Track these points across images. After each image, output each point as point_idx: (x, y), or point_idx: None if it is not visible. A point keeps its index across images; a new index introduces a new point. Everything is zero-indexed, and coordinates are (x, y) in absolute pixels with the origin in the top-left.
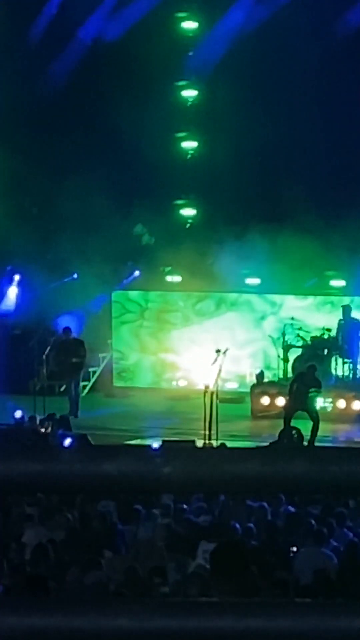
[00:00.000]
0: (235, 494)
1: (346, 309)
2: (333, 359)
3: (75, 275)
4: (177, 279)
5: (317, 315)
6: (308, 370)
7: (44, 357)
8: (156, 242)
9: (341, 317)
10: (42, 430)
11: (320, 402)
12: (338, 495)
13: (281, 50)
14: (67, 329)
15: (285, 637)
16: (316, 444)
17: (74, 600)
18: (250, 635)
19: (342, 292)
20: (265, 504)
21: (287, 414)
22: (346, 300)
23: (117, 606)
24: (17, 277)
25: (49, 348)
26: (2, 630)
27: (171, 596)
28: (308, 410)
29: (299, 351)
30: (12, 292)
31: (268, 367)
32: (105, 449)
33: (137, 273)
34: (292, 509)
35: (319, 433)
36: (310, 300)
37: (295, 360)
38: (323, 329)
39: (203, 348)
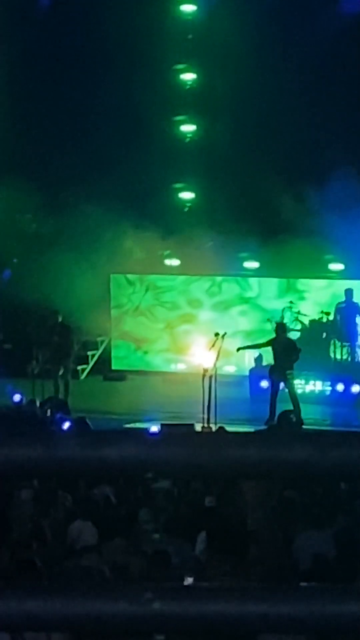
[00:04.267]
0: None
1: (348, 293)
2: (331, 342)
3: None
4: (175, 262)
5: (316, 299)
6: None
7: (42, 340)
8: (154, 225)
9: (340, 301)
10: (41, 413)
11: (318, 386)
12: (338, 480)
13: (281, 32)
14: (54, 312)
15: (286, 622)
16: (314, 428)
17: (72, 585)
18: (250, 619)
19: (340, 275)
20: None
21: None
22: (347, 283)
23: (116, 590)
24: (15, 261)
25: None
26: (1, 615)
27: (171, 581)
28: (288, 391)
29: (298, 334)
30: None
31: (266, 351)
32: (105, 433)
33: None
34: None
35: (317, 417)
36: (309, 283)
37: None
38: (321, 312)
39: (202, 331)
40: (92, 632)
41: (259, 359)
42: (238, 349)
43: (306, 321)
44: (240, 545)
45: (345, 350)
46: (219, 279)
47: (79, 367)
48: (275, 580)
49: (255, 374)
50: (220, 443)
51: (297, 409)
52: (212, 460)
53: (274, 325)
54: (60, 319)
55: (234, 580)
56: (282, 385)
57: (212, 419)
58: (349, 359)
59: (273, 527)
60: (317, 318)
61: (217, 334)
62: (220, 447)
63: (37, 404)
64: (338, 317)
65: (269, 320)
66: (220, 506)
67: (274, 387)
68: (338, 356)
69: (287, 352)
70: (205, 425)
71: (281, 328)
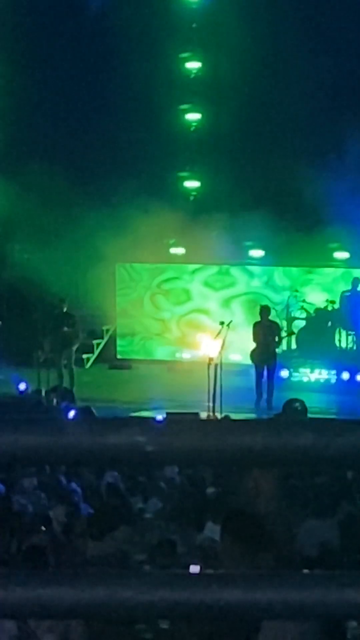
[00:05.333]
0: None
1: (355, 282)
2: (337, 331)
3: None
4: (181, 251)
5: (321, 287)
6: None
7: (47, 329)
8: (160, 214)
9: (346, 289)
10: (47, 402)
11: (324, 374)
12: (344, 468)
13: (286, 20)
14: (61, 301)
15: (292, 609)
16: (320, 416)
17: (80, 572)
18: (256, 607)
19: (346, 264)
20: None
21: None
22: (353, 272)
23: (123, 578)
24: (20, 249)
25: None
26: (8, 602)
27: (176, 568)
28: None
29: (303, 323)
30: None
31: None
32: (111, 420)
33: None
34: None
35: (323, 405)
36: (314, 272)
37: (299, 332)
38: (327, 301)
39: (207, 320)
40: (98, 619)
41: None
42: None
43: (311, 310)
44: (255, 533)
45: (350, 338)
46: (224, 267)
47: (85, 356)
48: (284, 567)
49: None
50: (225, 430)
51: (269, 397)
52: (218, 447)
53: (260, 308)
54: (65, 308)
55: (248, 568)
56: (286, 373)
57: (217, 408)
58: (355, 347)
59: (283, 514)
60: (322, 307)
61: (222, 323)
62: (226, 434)
63: (43, 392)
64: (343, 306)
65: (274, 309)
66: (228, 493)
67: (257, 370)
68: (343, 345)
69: (270, 335)
70: (211, 413)
71: (265, 311)
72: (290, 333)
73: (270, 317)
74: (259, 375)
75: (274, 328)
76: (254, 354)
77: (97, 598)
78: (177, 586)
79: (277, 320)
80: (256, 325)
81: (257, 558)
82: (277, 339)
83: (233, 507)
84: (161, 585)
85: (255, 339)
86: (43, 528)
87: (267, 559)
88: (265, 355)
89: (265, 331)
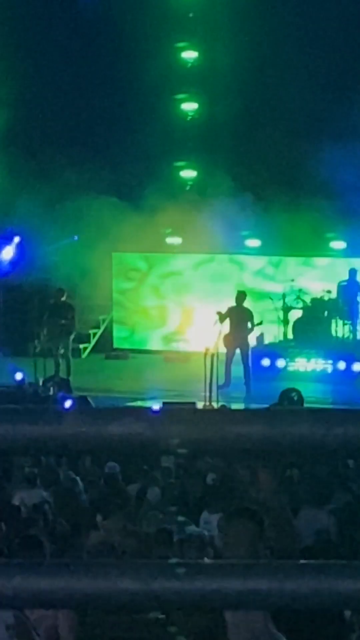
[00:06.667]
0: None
1: (352, 272)
2: (333, 320)
3: (75, 237)
4: (177, 240)
5: (317, 277)
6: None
7: (44, 319)
8: (156, 204)
9: (342, 279)
10: (43, 392)
11: (320, 364)
12: (341, 457)
13: (283, 9)
14: (59, 290)
15: (288, 598)
16: (316, 405)
17: (78, 562)
18: (253, 596)
19: (342, 254)
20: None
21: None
22: (349, 262)
23: (120, 567)
24: (16, 239)
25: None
26: (6, 592)
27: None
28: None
29: (299, 313)
30: (8, 253)
31: (268, 330)
32: (108, 410)
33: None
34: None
35: (319, 395)
36: (310, 262)
37: (296, 322)
38: (323, 290)
39: (203, 310)
40: (95, 608)
41: (260, 338)
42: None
43: (308, 299)
44: (256, 521)
45: (347, 328)
46: (221, 257)
47: (81, 346)
48: (283, 556)
49: (257, 353)
50: (223, 419)
51: (248, 381)
52: (215, 436)
53: (237, 293)
54: (63, 298)
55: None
56: (282, 363)
57: (213, 398)
58: (351, 337)
59: (283, 502)
60: (319, 296)
61: (219, 313)
62: (223, 423)
63: (39, 382)
64: (340, 296)
65: (270, 298)
66: (226, 483)
67: (228, 353)
68: (340, 334)
69: (243, 321)
70: (207, 403)
71: (240, 297)
72: (259, 323)
73: (244, 304)
74: (230, 360)
75: (248, 314)
76: (226, 339)
77: (94, 588)
78: (176, 575)
79: (274, 310)
80: (232, 310)
81: (257, 549)
82: (249, 325)
83: (232, 498)
84: (157, 575)
85: (230, 323)
86: (40, 518)
87: (267, 550)
88: (239, 340)
89: (239, 316)
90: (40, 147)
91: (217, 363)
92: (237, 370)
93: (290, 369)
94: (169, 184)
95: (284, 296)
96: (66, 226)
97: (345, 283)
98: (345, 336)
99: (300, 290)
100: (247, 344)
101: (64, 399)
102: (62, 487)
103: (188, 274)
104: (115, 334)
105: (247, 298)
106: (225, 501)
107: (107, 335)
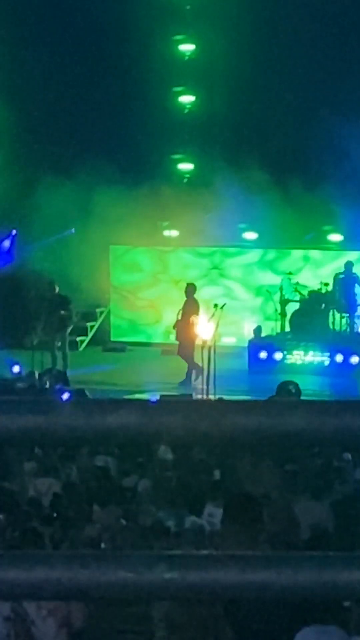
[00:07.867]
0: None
1: (348, 265)
2: (330, 313)
3: (72, 230)
4: (174, 233)
5: (314, 270)
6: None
7: (41, 311)
8: (153, 197)
9: (339, 272)
10: (40, 384)
11: (317, 357)
12: (338, 449)
13: (280, 1)
14: (50, 283)
15: (286, 590)
16: (314, 398)
17: (74, 553)
18: (250, 588)
19: (339, 246)
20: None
21: None
22: (346, 254)
23: (117, 559)
24: (13, 232)
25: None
26: (3, 583)
27: (170, 549)
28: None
29: (297, 305)
30: (4, 245)
31: (266, 322)
32: (106, 402)
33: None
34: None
35: (317, 387)
36: (308, 254)
37: (293, 314)
38: (321, 283)
39: (201, 303)
40: (95, 599)
41: (257, 330)
42: None
43: (305, 292)
44: (256, 514)
45: (344, 321)
46: (218, 250)
47: (78, 339)
48: (283, 547)
49: (254, 345)
50: (220, 410)
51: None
52: (212, 428)
53: (185, 287)
54: (56, 290)
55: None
56: (280, 355)
57: (211, 390)
58: (348, 329)
59: (283, 494)
60: (316, 289)
61: (216, 306)
62: (220, 414)
63: (36, 375)
64: (337, 288)
65: (267, 291)
66: (226, 476)
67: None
68: (337, 327)
69: (192, 314)
70: (205, 396)
71: (190, 290)
72: (282, 315)
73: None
74: (191, 353)
75: (195, 306)
76: (180, 332)
77: (93, 579)
78: (174, 566)
79: (272, 303)
80: (184, 304)
81: (257, 541)
82: (197, 317)
83: (232, 490)
84: (157, 566)
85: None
86: (38, 511)
87: (266, 542)
88: (189, 333)
89: (189, 310)
90: (36, 139)
91: (215, 356)
92: (234, 363)
93: (287, 361)
94: (167, 176)
95: (281, 289)
96: (63, 219)
97: (342, 276)
98: (343, 329)
99: (297, 283)
100: (193, 337)
101: (61, 391)
102: (59, 479)
103: (185, 267)
104: (112, 326)
105: (245, 291)
106: (228, 493)
107: (105, 328)
